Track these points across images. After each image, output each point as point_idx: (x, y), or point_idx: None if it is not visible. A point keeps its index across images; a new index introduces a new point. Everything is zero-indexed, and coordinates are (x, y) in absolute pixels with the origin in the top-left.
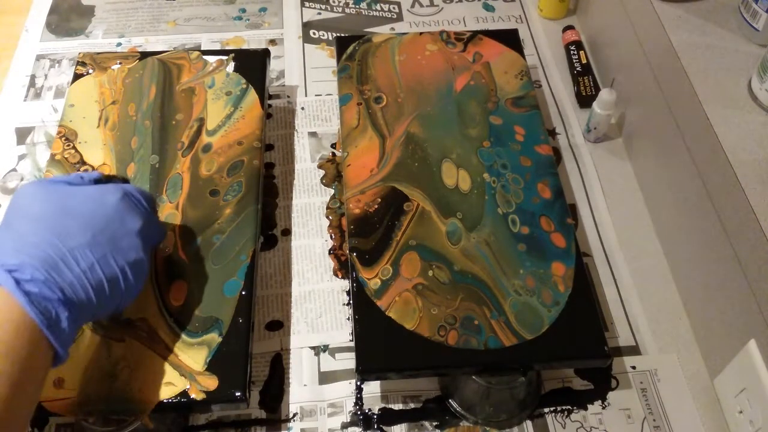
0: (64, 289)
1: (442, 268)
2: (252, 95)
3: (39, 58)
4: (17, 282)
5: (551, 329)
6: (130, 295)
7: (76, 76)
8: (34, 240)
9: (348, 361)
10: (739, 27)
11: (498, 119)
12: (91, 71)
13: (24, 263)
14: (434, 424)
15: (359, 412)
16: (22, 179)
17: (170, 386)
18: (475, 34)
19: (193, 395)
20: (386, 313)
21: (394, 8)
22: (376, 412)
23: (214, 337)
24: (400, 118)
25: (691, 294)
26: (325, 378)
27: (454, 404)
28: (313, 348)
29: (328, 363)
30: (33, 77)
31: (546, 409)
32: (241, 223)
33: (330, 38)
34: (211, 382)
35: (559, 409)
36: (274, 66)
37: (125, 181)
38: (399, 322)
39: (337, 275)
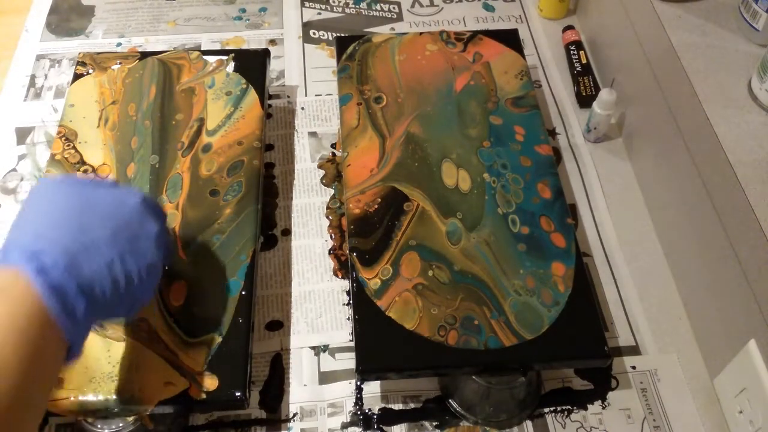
0: (82, 281)
1: (442, 268)
2: (252, 95)
3: (39, 58)
4: (39, 267)
5: (551, 329)
6: (143, 300)
7: (76, 76)
8: (55, 229)
9: (348, 361)
10: (739, 27)
11: (498, 119)
12: (91, 71)
13: (45, 249)
14: (434, 424)
15: (359, 412)
16: (22, 179)
17: (170, 386)
18: (475, 34)
19: (193, 395)
20: (386, 313)
21: (394, 8)
22: (376, 412)
23: (214, 337)
24: (400, 118)
25: (691, 294)
26: (325, 378)
27: (454, 404)
28: (313, 348)
29: (328, 363)
30: (33, 77)
31: (546, 409)
32: (241, 223)
33: (330, 38)
34: (211, 382)
35: (559, 409)
36: (274, 66)
37: None
38: (399, 322)
39: (337, 275)
